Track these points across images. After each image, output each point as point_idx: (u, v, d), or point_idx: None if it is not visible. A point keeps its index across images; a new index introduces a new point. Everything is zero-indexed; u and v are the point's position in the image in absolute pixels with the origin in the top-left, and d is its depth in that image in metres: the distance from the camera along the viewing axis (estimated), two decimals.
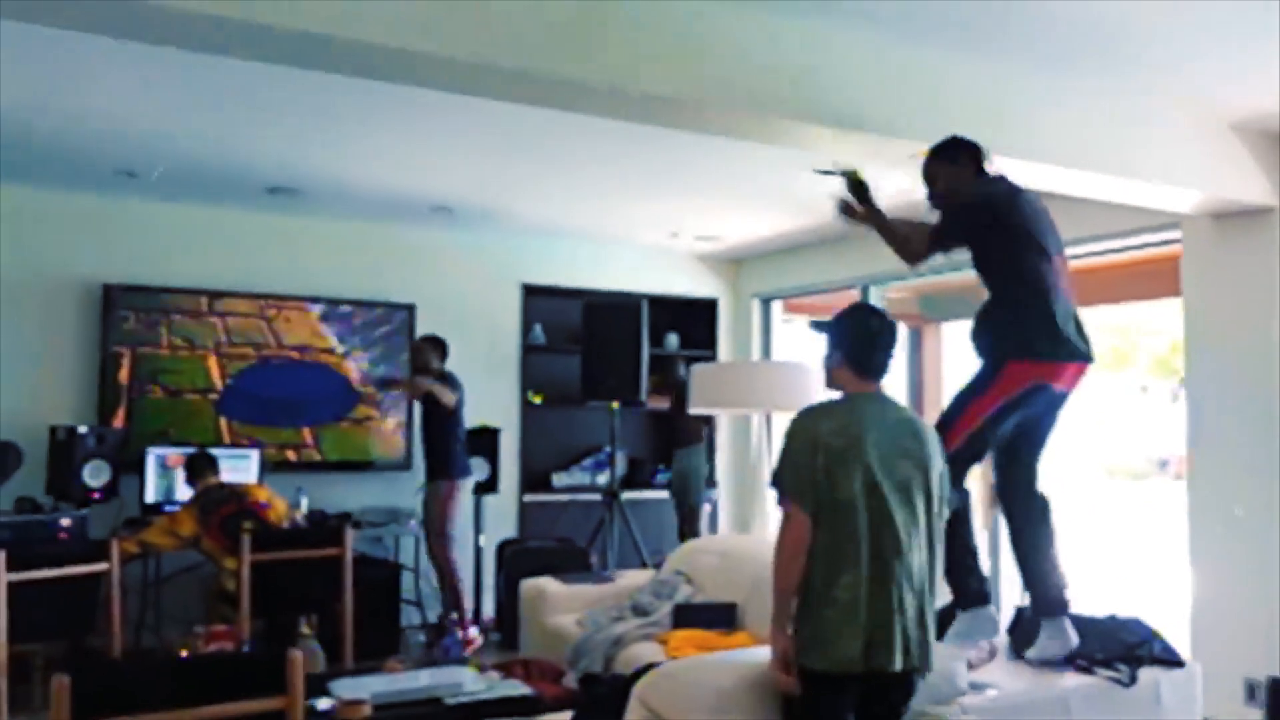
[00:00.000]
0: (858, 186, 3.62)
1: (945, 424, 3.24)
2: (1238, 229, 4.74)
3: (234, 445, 6.21)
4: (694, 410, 5.81)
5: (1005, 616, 3.81)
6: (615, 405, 6.64)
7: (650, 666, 3.06)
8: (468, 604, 6.17)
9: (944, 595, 3.43)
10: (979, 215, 3.37)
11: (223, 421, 6.31)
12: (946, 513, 2.85)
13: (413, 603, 6.39)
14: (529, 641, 5.10)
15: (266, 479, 5.92)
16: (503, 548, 6.55)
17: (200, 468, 5.25)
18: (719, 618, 4.42)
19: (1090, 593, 4.76)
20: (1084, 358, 3.34)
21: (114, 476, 5.64)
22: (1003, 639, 3.59)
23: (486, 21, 2.92)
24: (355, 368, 6.72)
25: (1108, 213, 4.92)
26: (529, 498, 7.29)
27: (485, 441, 6.63)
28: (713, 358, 7.89)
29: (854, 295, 7.12)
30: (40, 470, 5.59)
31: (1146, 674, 3.34)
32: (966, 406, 3.29)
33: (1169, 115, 4.30)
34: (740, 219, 6.72)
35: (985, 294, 3.43)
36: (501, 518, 7.03)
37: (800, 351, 7.12)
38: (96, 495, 5.59)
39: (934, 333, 7.54)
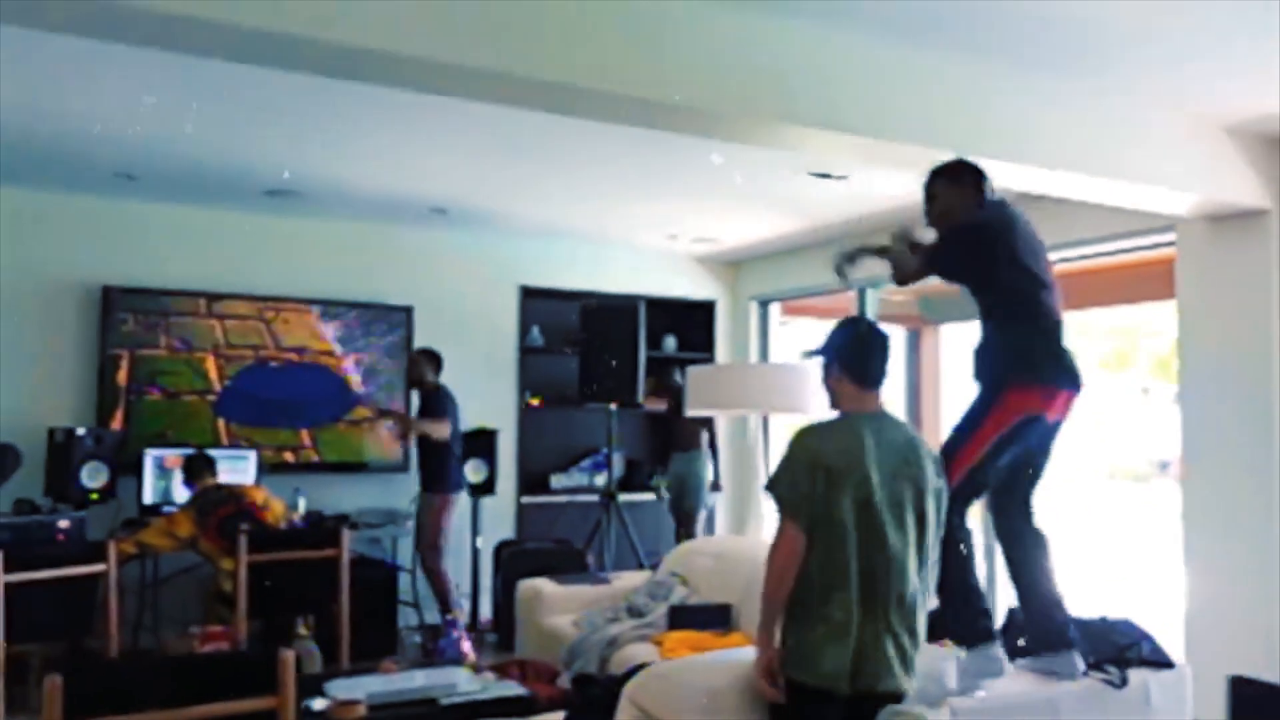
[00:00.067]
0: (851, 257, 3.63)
1: (945, 459, 3.22)
2: (1232, 232, 4.74)
3: (232, 446, 6.23)
4: (691, 412, 5.83)
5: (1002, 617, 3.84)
6: (613, 407, 6.65)
7: (642, 667, 3.07)
8: (462, 616, 6.18)
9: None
10: (973, 238, 3.36)
11: (221, 423, 6.33)
12: (940, 533, 2.86)
13: (410, 604, 6.40)
14: (525, 642, 5.12)
15: (264, 480, 5.94)
16: (500, 549, 6.57)
17: (198, 469, 5.27)
18: (714, 619, 4.43)
19: (1090, 594, 4.77)
20: (1075, 386, 3.34)
21: (112, 478, 5.67)
22: None
23: (476, 24, 2.93)
24: (354, 369, 6.73)
25: (1102, 215, 4.93)
26: (527, 499, 7.31)
27: (483, 443, 6.65)
28: (710, 360, 7.90)
29: (852, 297, 7.14)
30: (39, 472, 5.61)
31: (1136, 675, 3.35)
32: (965, 441, 3.26)
33: (1163, 118, 4.30)
34: (738, 221, 6.73)
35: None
36: (499, 519, 7.04)
37: (798, 353, 7.12)
38: (95, 496, 5.60)
39: (933, 334, 7.55)
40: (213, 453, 5.51)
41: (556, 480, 7.45)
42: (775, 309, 8.12)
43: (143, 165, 5.42)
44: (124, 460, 5.79)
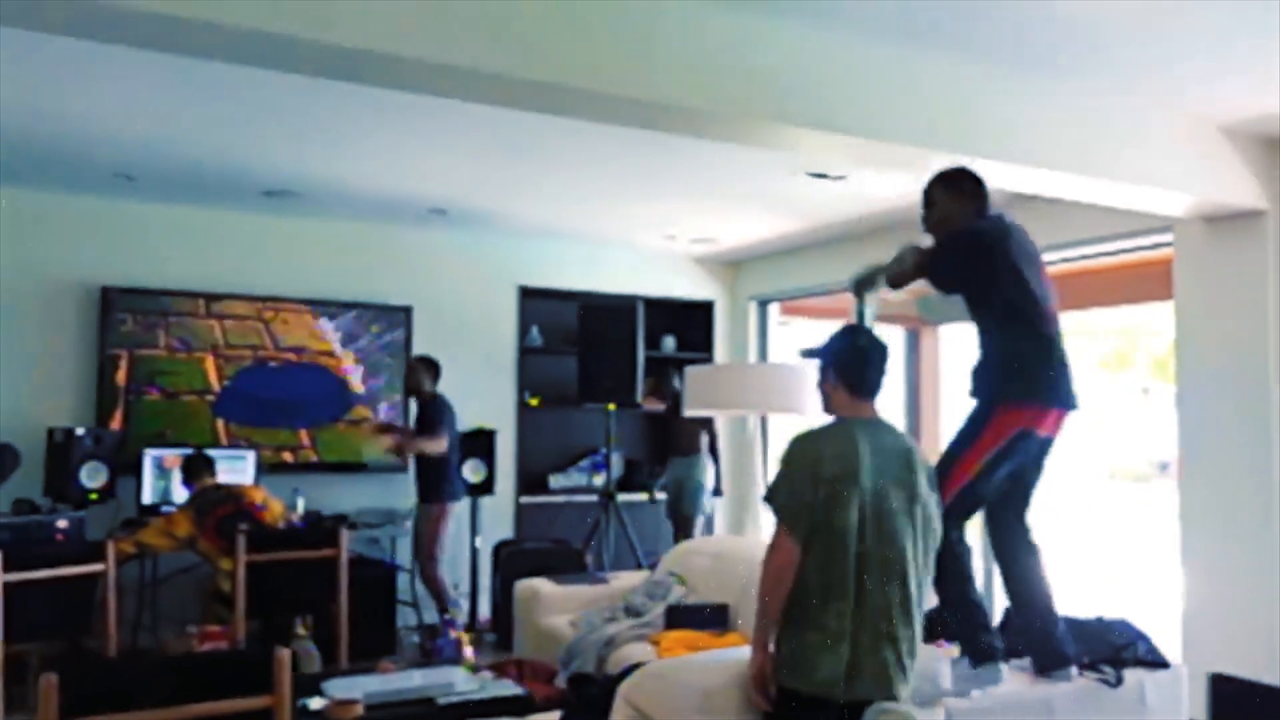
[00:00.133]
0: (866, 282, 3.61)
1: (940, 476, 3.22)
2: (1229, 233, 4.75)
3: (231, 446, 6.24)
4: (689, 412, 5.83)
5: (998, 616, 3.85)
6: (611, 407, 6.66)
7: (637, 666, 3.08)
8: (461, 616, 6.19)
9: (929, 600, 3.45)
10: (970, 245, 3.36)
11: (219, 423, 6.34)
12: (935, 542, 2.86)
13: (409, 604, 6.41)
14: (523, 642, 5.12)
15: (263, 480, 5.95)
16: (498, 549, 6.58)
17: (197, 469, 5.28)
18: (711, 619, 4.44)
19: (1090, 595, 4.78)
20: (1066, 404, 3.34)
21: (111, 478, 5.68)
22: None
23: (468, 26, 2.94)
24: (353, 369, 6.75)
25: (1099, 216, 4.94)
26: (525, 499, 7.32)
27: (481, 443, 6.66)
28: (709, 360, 7.91)
29: (850, 298, 7.13)
30: (38, 471, 5.63)
31: (1132, 675, 3.36)
32: (959, 458, 3.26)
33: (1159, 118, 4.31)
34: (736, 221, 6.74)
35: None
36: (498, 519, 7.06)
37: (796, 351, 7.12)
38: (94, 496, 5.61)
39: (931, 335, 7.55)
40: (212, 453, 5.52)
41: (555, 480, 7.46)
42: (774, 309, 8.13)
43: (142, 165, 5.43)
44: (123, 460, 5.80)
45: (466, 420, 6.58)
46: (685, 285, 8.00)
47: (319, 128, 4.72)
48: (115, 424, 6.02)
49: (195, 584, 5.57)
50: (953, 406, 6.77)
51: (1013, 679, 3.30)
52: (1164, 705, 3.37)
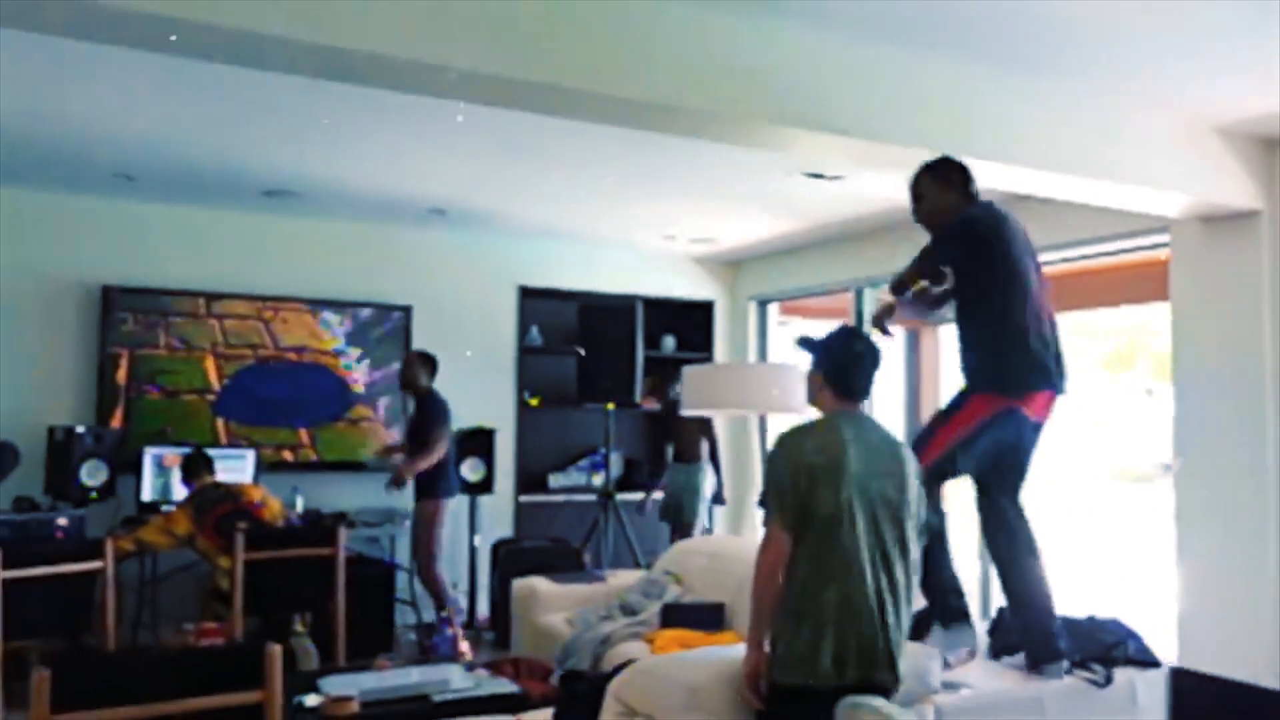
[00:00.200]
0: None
1: (917, 445, 3.27)
2: (1225, 233, 4.76)
3: (230, 445, 6.26)
4: (687, 412, 5.85)
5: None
6: (611, 407, 6.68)
7: (627, 664, 3.10)
8: (457, 612, 6.20)
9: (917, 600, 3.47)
10: (966, 234, 3.39)
11: (220, 422, 6.37)
12: (923, 539, 2.89)
13: (407, 602, 6.43)
14: (520, 640, 5.13)
15: (262, 479, 5.97)
16: (497, 548, 6.59)
17: (196, 467, 5.30)
18: (706, 618, 4.45)
19: (1091, 595, 4.79)
20: (1053, 387, 3.36)
21: (111, 476, 5.71)
22: (982, 639, 3.61)
23: (467, 27, 2.96)
24: (353, 369, 6.77)
25: (1095, 216, 4.95)
26: (525, 498, 7.33)
27: (480, 442, 6.68)
28: (709, 360, 7.92)
29: (849, 298, 7.16)
30: (38, 470, 5.65)
31: (1122, 674, 3.37)
32: (938, 428, 3.36)
33: (1154, 119, 4.32)
34: (735, 221, 6.76)
35: None
36: (497, 518, 7.08)
37: (793, 339, 7.13)
38: (94, 495, 5.64)
39: (932, 334, 7.56)
40: (211, 452, 5.53)
41: (555, 480, 7.48)
42: (774, 309, 8.15)
43: (142, 165, 5.46)
44: (123, 459, 5.83)
45: (466, 420, 6.61)
46: (685, 285, 8.01)
47: (318, 128, 4.74)
48: (115, 423, 6.04)
49: (194, 582, 5.59)
50: None
51: (1004, 677, 3.31)
52: (1154, 704, 3.37)
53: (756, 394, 5.47)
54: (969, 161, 3.64)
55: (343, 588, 4.86)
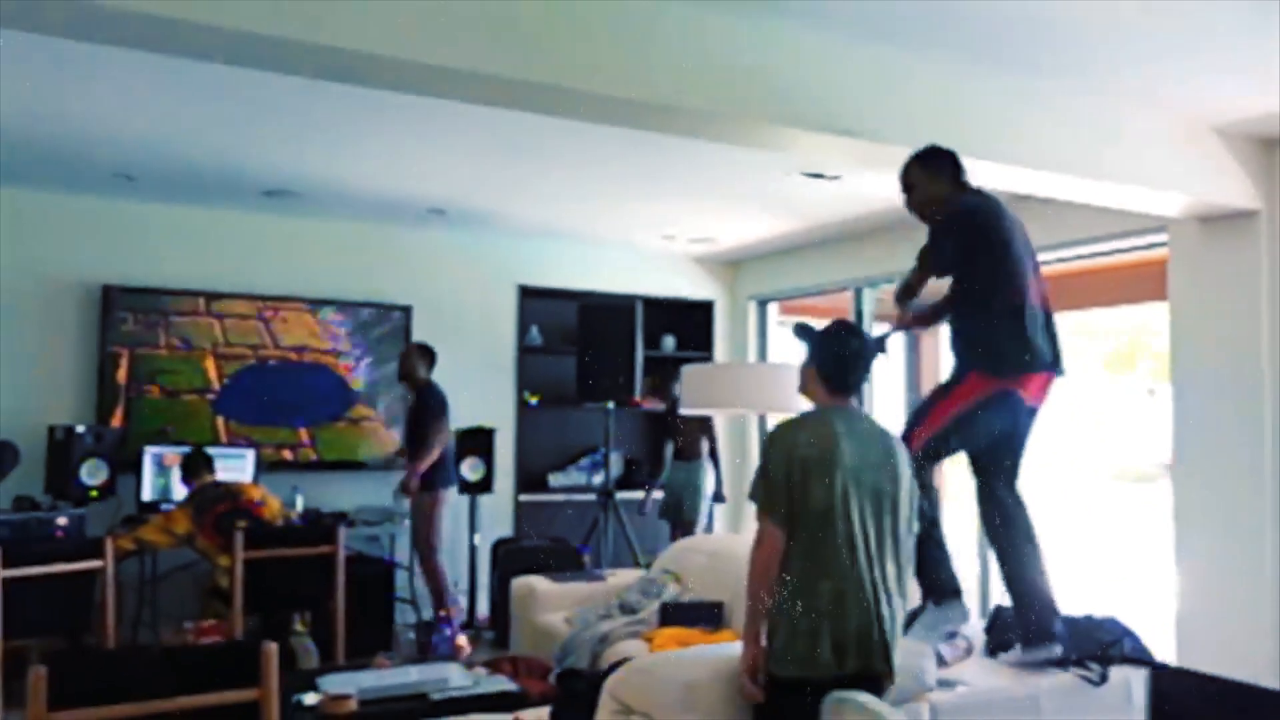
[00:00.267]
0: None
1: (911, 424, 3.30)
2: (1223, 232, 4.76)
3: (230, 445, 6.28)
4: (686, 411, 5.85)
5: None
6: (611, 406, 6.69)
7: (623, 662, 3.11)
8: (458, 611, 6.21)
9: (913, 598, 3.48)
10: (968, 224, 3.39)
11: (220, 421, 6.38)
12: (917, 526, 2.90)
13: (407, 600, 6.45)
14: (520, 639, 5.14)
15: (262, 479, 5.98)
16: (497, 547, 6.60)
17: (195, 466, 5.31)
18: (705, 616, 4.46)
19: (1093, 594, 4.79)
20: (1049, 367, 3.38)
21: (111, 475, 5.72)
22: (978, 637, 3.62)
23: (466, 27, 2.97)
24: (353, 368, 6.78)
25: (1094, 216, 4.96)
26: (525, 497, 7.35)
27: (480, 441, 6.69)
28: (709, 359, 7.93)
29: (849, 297, 7.17)
30: (39, 469, 5.67)
31: (1118, 673, 3.37)
32: (933, 408, 3.37)
33: (1152, 119, 4.32)
34: (734, 221, 6.76)
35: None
36: (497, 517, 7.09)
37: (792, 343, 7.13)
38: (94, 494, 5.65)
39: (933, 333, 7.56)
40: (211, 451, 5.54)
41: (555, 479, 7.50)
42: (774, 309, 8.15)
43: (141, 165, 5.47)
44: (123, 458, 5.84)
45: (466, 419, 6.61)
46: (685, 285, 8.03)
47: (318, 128, 4.75)
48: (116, 422, 6.06)
49: (195, 581, 5.61)
50: None
51: (1000, 675, 3.32)
52: None
53: (755, 393, 5.48)
54: (967, 162, 3.64)
55: (342, 587, 4.87)
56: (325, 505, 6.41)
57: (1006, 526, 3.48)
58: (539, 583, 5.15)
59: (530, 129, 4.52)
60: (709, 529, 7.15)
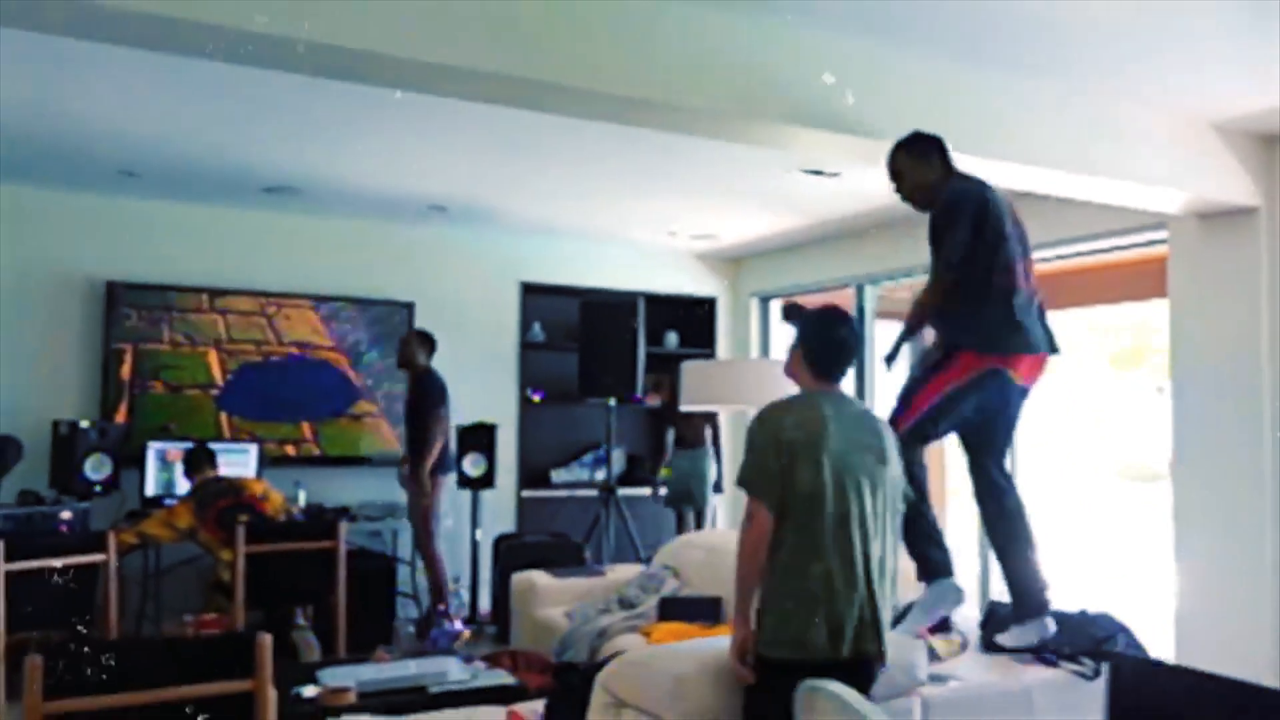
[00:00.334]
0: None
1: (899, 406, 3.31)
2: (1222, 229, 4.76)
3: (234, 440, 6.31)
4: (686, 407, 5.87)
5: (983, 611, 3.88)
6: (612, 402, 6.71)
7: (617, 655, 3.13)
8: (462, 611, 6.23)
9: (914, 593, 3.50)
10: (969, 210, 3.40)
11: (223, 417, 6.41)
12: (903, 506, 2.91)
13: (409, 595, 6.48)
14: (520, 633, 5.17)
15: (265, 474, 6.01)
16: (499, 542, 6.63)
17: (198, 461, 5.35)
18: (703, 611, 4.47)
19: (1095, 591, 4.80)
20: (1036, 348, 3.39)
21: (115, 470, 5.75)
22: (973, 632, 3.64)
23: (466, 26, 2.98)
24: (355, 365, 6.81)
25: (1093, 213, 4.96)
26: (527, 493, 7.37)
27: (482, 437, 6.71)
28: (712, 356, 7.96)
29: (851, 294, 7.18)
30: (43, 464, 5.71)
31: None
32: (920, 389, 3.38)
33: (1151, 115, 4.32)
34: (736, 218, 6.77)
35: None
36: (500, 513, 7.12)
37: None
38: (98, 489, 5.69)
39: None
40: (214, 446, 5.58)
41: (557, 475, 7.52)
42: (776, 305, 8.16)
43: (145, 163, 5.50)
44: (127, 453, 5.88)
45: (469, 415, 6.64)
46: (687, 282, 8.04)
47: (318, 125, 4.77)
48: (120, 417, 6.09)
49: (198, 575, 5.64)
50: None
51: (992, 670, 3.33)
52: None
53: (755, 389, 5.48)
54: (967, 159, 3.65)
55: (344, 581, 4.89)
56: (328, 500, 6.45)
57: (998, 505, 3.51)
58: (539, 578, 5.18)
59: (530, 126, 4.53)
60: (713, 520, 7.21)
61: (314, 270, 6.74)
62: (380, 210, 6.60)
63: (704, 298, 8.10)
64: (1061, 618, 3.56)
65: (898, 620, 3.21)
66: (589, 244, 7.57)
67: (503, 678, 3.86)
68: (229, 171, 5.66)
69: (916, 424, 3.33)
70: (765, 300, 8.13)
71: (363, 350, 6.83)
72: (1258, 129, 4.55)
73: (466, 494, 6.68)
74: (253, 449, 6.24)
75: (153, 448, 6.02)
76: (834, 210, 6.36)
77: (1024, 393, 3.45)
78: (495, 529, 6.91)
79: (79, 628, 4.55)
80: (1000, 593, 3.75)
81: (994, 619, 3.65)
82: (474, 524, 6.78)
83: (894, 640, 2.82)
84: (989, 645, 3.53)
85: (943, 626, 3.51)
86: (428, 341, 6.22)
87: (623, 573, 5.29)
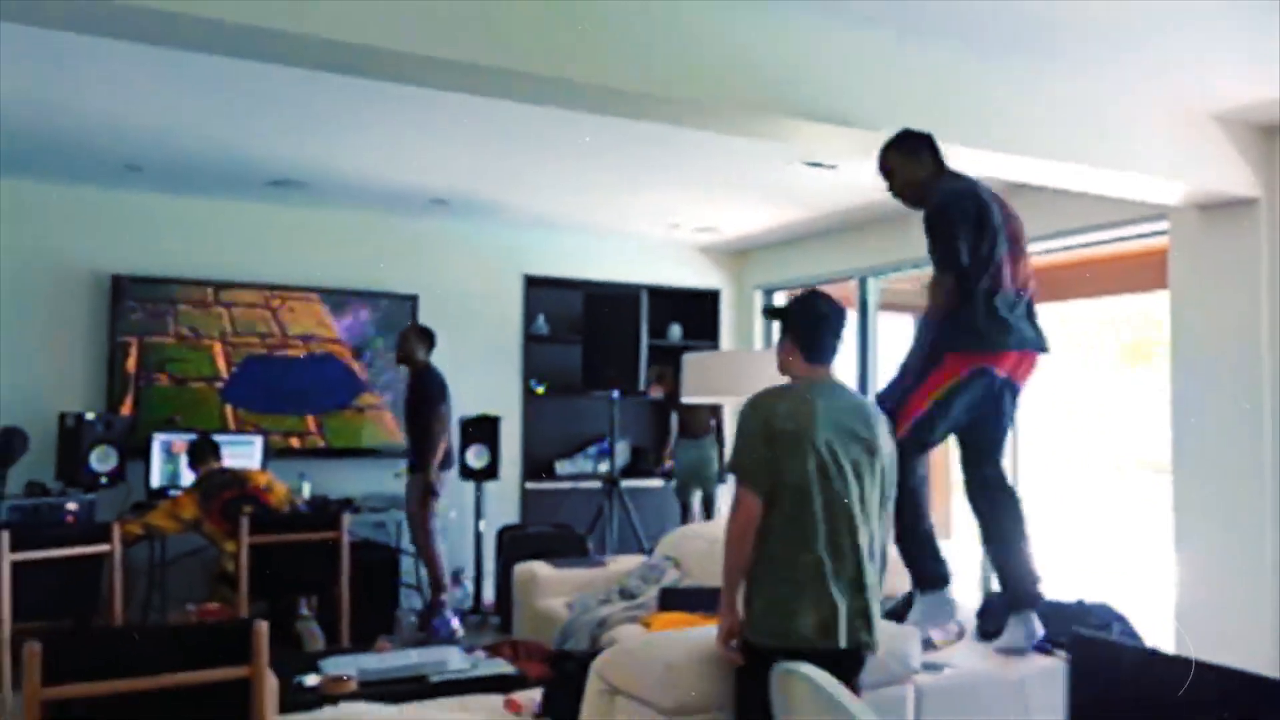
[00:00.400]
0: None
1: (890, 414, 3.31)
2: (1222, 221, 4.75)
3: (238, 432, 6.35)
4: (687, 399, 5.89)
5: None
6: (616, 394, 6.73)
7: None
8: (466, 600, 6.25)
9: (905, 584, 3.51)
10: (965, 208, 3.41)
11: (228, 409, 6.45)
12: (893, 493, 2.92)
13: (412, 586, 6.51)
14: (521, 623, 5.21)
15: (270, 465, 6.05)
16: (502, 533, 6.66)
17: (203, 453, 5.38)
18: (703, 602, 4.47)
19: (1097, 587, 4.80)
20: (1023, 346, 3.39)
21: (121, 462, 5.80)
22: (970, 621, 3.66)
23: (465, 20, 3.00)
24: (359, 357, 6.84)
25: (1093, 205, 4.95)
26: (531, 485, 7.40)
27: (485, 429, 6.74)
28: (716, 348, 7.97)
29: (854, 286, 7.19)
30: (50, 455, 5.75)
31: None
32: (910, 395, 3.37)
33: (1151, 106, 4.31)
34: (737, 210, 6.78)
35: None
36: (504, 504, 7.15)
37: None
38: (104, 480, 5.74)
39: None
40: (219, 438, 5.61)
41: (561, 466, 7.55)
42: (779, 298, 8.17)
43: (149, 157, 5.53)
44: (132, 445, 5.92)
45: (473, 407, 6.66)
46: (690, 274, 8.06)
47: (320, 119, 4.80)
48: (125, 410, 6.13)
49: (203, 566, 5.68)
50: None
51: (986, 659, 3.35)
52: None
53: (757, 381, 5.48)
54: (966, 150, 3.66)
55: (347, 572, 4.92)
56: (332, 492, 6.48)
57: (992, 501, 3.52)
58: (541, 568, 5.21)
59: (531, 120, 4.54)
60: (712, 510, 7.23)
61: (318, 264, 6.77)
62: (382, 203, 6.62)
63: (707, 290, 8.11)
64: (1058, 608, 3.57)
65: (892, 613, 3.23)
66: (592, 237, 7.59)
67: (502, 666, 3.90)
68: (232, 165, 5.69)
69: (914, 433, 3.33)
70: (769, 293, 8.14)
71: (366, 343, 6.86)
72: (1258, 120, 4.54)
73: (470, 486, 6.71)
74: (258, 441, 6.28)
75: (158, 439, 6.06)
76: (836, 203, 6.37)
77: (1015, 390, 3.45)
78: (499, 520, 6.94)
79: (85, 619, 4.60)
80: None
81: (991, 610, 3.66)
82: (478, 515, 6.81)
83: (887, 628, 2.83)
84: (985, 634, 3.54)
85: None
86: (427, 337, 6.22)
87: (624, 564, 5.32)
